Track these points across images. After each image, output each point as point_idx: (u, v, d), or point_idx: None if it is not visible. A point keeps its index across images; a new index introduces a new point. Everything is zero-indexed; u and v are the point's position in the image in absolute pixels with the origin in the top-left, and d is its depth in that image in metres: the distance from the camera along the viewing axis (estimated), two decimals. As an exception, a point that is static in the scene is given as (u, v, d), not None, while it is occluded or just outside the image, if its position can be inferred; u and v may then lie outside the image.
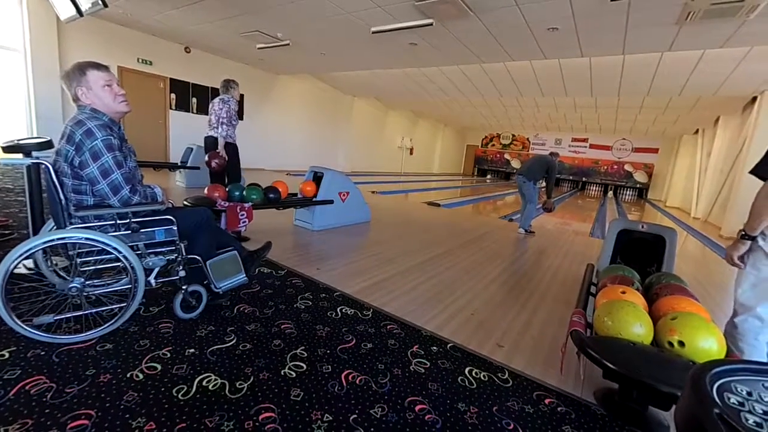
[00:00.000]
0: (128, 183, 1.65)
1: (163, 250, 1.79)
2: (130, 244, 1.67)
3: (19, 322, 1.53)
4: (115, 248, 1.59)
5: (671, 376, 1.24)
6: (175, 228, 1.78)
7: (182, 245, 1.82)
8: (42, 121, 6.62)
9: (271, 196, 3.50)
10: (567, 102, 11.62)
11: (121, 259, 1.60)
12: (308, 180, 4.20)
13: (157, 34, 7.87)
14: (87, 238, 1.56)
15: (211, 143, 4.24)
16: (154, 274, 1.76)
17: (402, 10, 4.99)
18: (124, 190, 1.63)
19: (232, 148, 4.20)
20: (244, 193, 3.34)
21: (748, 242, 1.54)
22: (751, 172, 1.50)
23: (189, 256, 1.87)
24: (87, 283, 1.65)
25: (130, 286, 1.67)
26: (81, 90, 1.62)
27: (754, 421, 0.52)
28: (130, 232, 1.69)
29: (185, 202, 2.83)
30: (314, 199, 4.10)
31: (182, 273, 1.84)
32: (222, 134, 4.07)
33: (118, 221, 1.67)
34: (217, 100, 4.20)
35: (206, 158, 3.85)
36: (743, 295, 1.58)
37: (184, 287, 1.85)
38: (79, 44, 6.97)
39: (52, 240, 1.53)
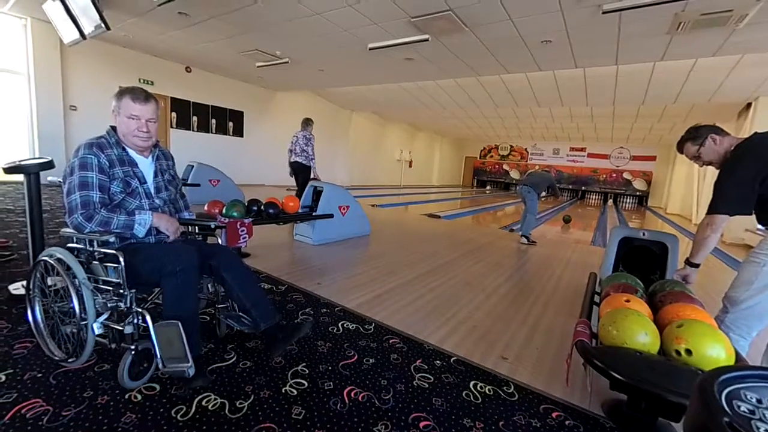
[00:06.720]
0: (84, 207, 1.49)
1: (109, 290, 1.49)
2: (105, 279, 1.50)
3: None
4: (69, 271, 1.43)
5: (679, 386, 1.21)
6: (122, 267, 1.41)
7: (130, 293, 1.46)
8: (44, 142, 6.69)
9: (271, 211, 3.51)
10: (563, 112, 11.73)
11: (69, 284, 1.40)
12: (290, 195, 4.06)
13: (158, 54, 8.03)
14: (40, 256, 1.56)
15: (297, 166, 5.87)
16: (101, 319, 1.44)
17: (398, 26, 5.09)
18: (76, 214, 1.48)
19: (309, 172, 5.84)
20: (224, 209, 3.16)
21: (696, 269, 1.73)
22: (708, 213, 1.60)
23: (140, 309, 1.46)
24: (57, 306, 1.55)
25: (75, 318, 1.40)
26: (114, 111, 1.65)
27: (765, 429, 0.51)
28: (91, 261, 1.52)
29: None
30: (314, 213, 4.10)
31: (129, 329, 1.44)
32: (314, 166, 5.85)
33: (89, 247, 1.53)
34: (300, 135, 5.83)
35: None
36: (747, 293, 1.62)
37: (132, 347, 1.43)
38: (82, 66, 7.08)
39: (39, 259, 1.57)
